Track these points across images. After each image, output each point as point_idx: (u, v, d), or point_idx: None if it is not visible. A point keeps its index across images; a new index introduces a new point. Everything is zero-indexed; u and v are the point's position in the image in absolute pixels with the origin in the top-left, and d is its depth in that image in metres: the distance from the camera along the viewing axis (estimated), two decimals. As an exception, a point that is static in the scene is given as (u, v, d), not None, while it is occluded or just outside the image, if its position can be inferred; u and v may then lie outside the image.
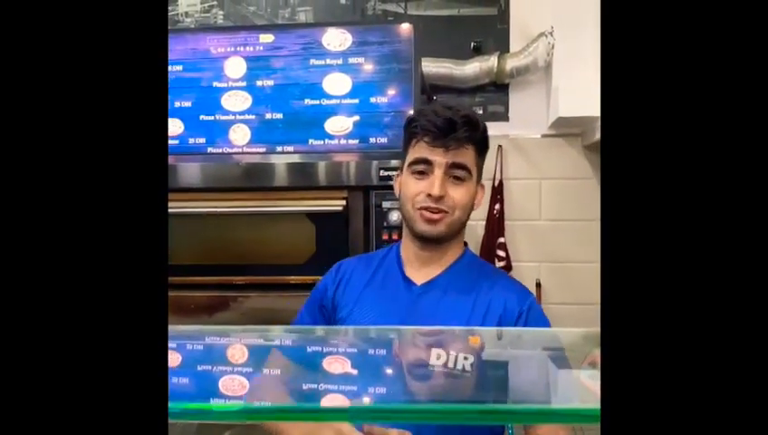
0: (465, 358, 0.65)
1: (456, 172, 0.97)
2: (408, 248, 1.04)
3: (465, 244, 1.07)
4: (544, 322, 1.00)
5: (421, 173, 0.97)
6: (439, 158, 0.95)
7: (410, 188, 0.98)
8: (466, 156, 0.97)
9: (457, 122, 0.95)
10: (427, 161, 0.96)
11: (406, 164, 1.01)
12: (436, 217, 0.96)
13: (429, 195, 0.95)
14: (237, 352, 0.71)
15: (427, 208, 0.96)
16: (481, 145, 1.00)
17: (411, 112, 1.05)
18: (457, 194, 0.97)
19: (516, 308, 0.97)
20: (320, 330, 0.98)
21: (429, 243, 0.99)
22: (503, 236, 1.93)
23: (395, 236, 1.47)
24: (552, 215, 1.97)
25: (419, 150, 0.97)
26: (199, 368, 0.66)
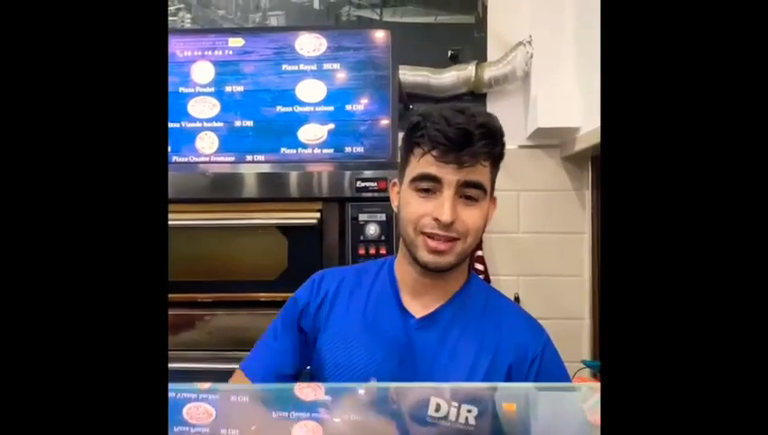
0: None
1: (468, 191, 0.81)
2: (404, 272, 0.89)
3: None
4: (558, 365, 0.88)
5: (426, 191, 0.81)
6: (450, 175, 0.79)
7: (413, 208, 0.82)
8: (482, 173, 0.81)
9: (474, 134, 0.78)
10: (434, 178, 0.80)
11: (408, 178, 0.84)
12: (443, 247, 0.81)
13: (437, 219, 0.80)
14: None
15: (433, 236, 0.81)
16: (499, 158, 0.84)
17: (416, 115, 0.85)
18: (470, 217, 0.81)
19: (529, 354, 0.84)
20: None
21: (432, 271, 0.84)
22: (480, 249, 1.88)
23: (372, 251, 1.40)
24: (531, 227, 1.93)
25: (425, 165, 0.81)
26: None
